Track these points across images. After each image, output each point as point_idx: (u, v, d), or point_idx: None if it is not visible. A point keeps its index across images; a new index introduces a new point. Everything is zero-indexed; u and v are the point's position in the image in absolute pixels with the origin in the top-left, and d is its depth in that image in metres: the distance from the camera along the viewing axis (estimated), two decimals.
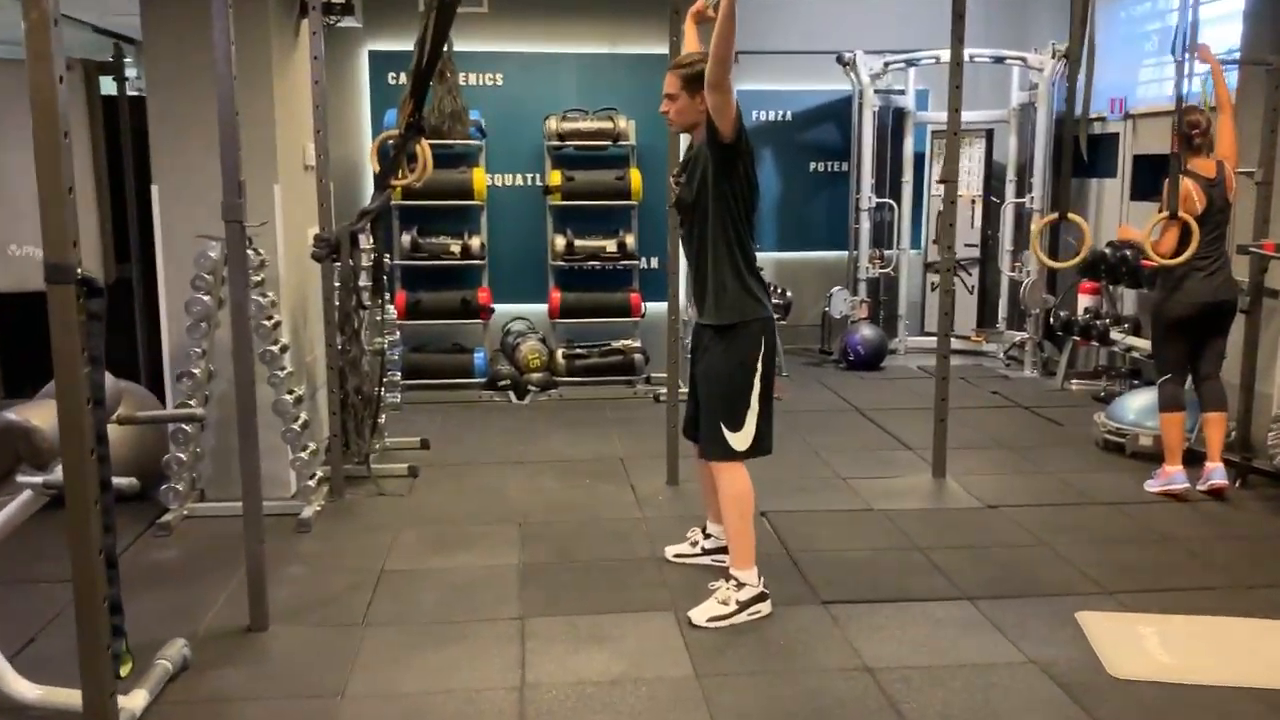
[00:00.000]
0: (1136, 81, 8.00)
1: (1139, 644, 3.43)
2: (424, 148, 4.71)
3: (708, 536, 4.15)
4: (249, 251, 4.18)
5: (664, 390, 7.13)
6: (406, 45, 7.24)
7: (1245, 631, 3.56)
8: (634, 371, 7.23)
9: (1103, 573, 4.05)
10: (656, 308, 7.45)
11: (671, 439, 5.15)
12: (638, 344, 7.26)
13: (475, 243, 7.14)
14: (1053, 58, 7.78)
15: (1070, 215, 4.68)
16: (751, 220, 3.68)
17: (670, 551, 4.21)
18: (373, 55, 7.35)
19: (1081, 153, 5.01)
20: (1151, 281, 6.61)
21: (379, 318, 5.27)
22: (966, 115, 8.71)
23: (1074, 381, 7.58)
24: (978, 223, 8.75)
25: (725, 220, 3.60)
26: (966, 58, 8.09)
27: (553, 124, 7.14)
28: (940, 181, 5.21)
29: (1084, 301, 7.63)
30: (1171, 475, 4.99)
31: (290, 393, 4.67)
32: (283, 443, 4.69)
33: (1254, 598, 3.82)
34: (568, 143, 7.15)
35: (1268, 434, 4.93)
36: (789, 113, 8.88)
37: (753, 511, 3.68)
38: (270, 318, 4.63)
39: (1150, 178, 7.55)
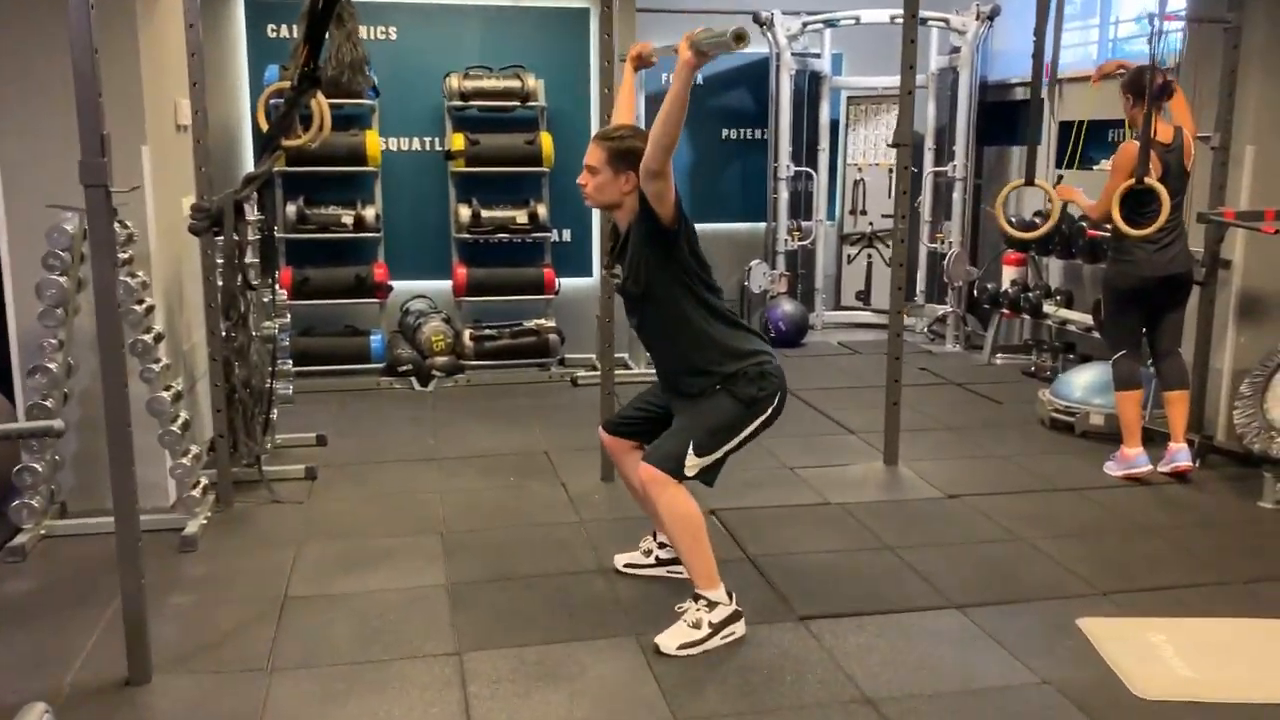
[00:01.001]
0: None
1: (1154, 655, 3.10)
2: (321, 103, 4.10)
3: (662, 545, 3.67)
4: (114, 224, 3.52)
5: (581, 373, 6.65)
6: None
7: (1260, 635, 3.26)
8: (548, 353, 6.69)
9: (1088, 570, 3.73)
10: (571, 284, 6.96)
11: None
12: (552, 323, 6.72)
13: (369, 213, 6.48)
14: (977, 19, 7.49)
15: (1037, 181, 4.34)
16: (712, 284, 3.25)
17: (620, 561, 3.73)
18: (250, 4, 6.58)
19: (1053, 113, 4.65)
20: (1091, 252, 6.41)
21: (267, 298, 4.61)
22: (881, 80, 8.47)
23: (999, 356, 7.36)
24: (894, 193, 8.44)
25: (687, 300, 3.19)
26: (886, 19, 7.85)
27: (454, 82, 6.51)
28: (892, 145, 4.81)
29: (1009, 273, 7.41)
30: (1132, 458, 4.73)
31: (167, 389, 4.01)
32: (160, 446, 4.02)
33: (1255, 595, 3.55)
34: (471, 103, 6.54)
35: (1233, 412, 4.69)
36: (700, 76, 8.33)
37: (704, 527, 3.20)
38: (141, 301, 3.95)
39: (1076, 144, 7.37)
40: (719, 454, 3.17)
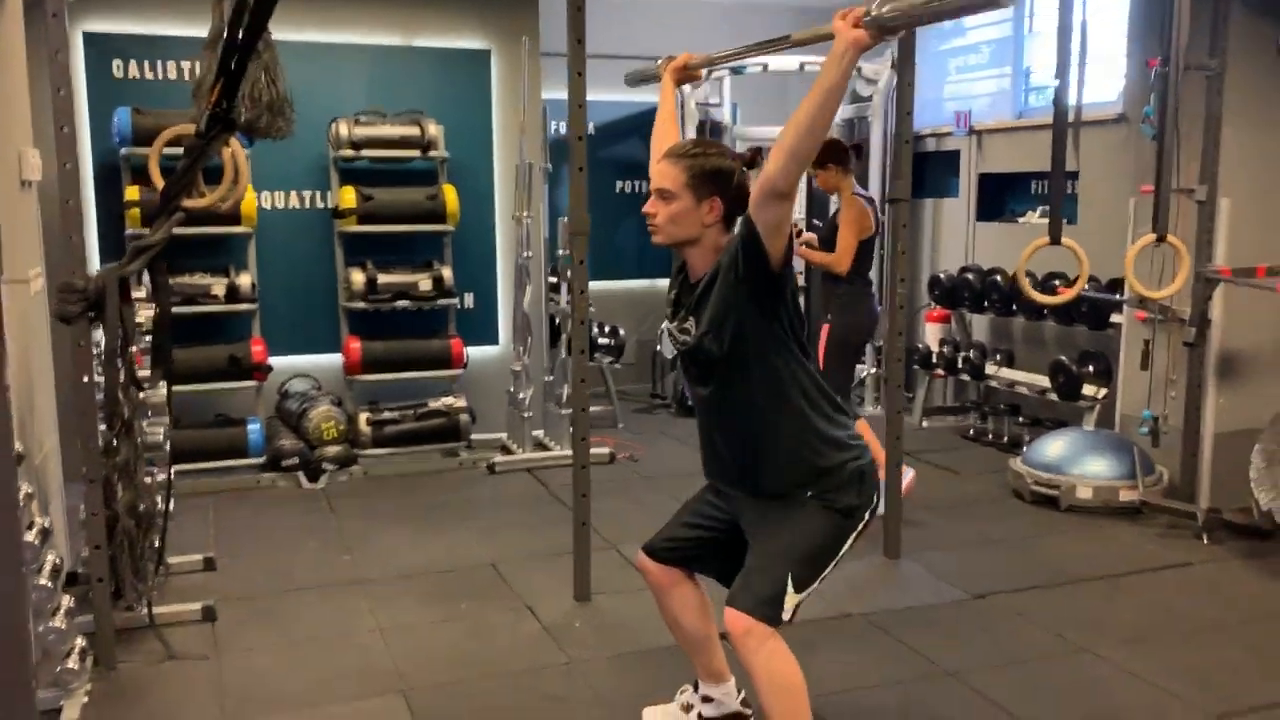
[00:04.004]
0: (940, 97, 7.62)
1: None
2: (236, 152, 3.24)
3: (706, 700, 2.94)
4: None
5: (498, 458, 5.85)
6: (135, 27, 5.56)
7: None
8: (459, 436, 5.86)
9: (1179, 686, 3.24)
10: (479, 354, 6.17)
11: (581, 539, 3.90)
12: (462, 402, 5.89)
13: (244, 281, 5.51)
14: (890, 68, 7.16)
15: (1065, 241, 3.90)
16: (805, 345, 2.55)
17: (651, 718, 2.98)
18: (89, 39, 5.54)
19: (1077, 161, 4.24)
20: (1036, 308, 6.09)
21: (159, 397, 3.66)
22: (779, 131, 8.08)
23: (927, 419, 6.98)
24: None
25: (786, 367, 2.49)
26: (796, 67, 7.47)
27: (344, 129, 5.65)
28: (890, 201, 4.31)
29: (933, 332, 7.07)
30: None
31: (31, 525, 3.03)
32: None
33: None
34: (363, 153, 5.69)
35: (1251, 485, 4.35)
36: (591, 125, 7.72)
37: (806, 690, 2.51)
38: None
39: (998, 197, 7.14)
40: (815, 585, 2.50)
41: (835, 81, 2.18)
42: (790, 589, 2.43)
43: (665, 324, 2.69)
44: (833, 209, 5.45)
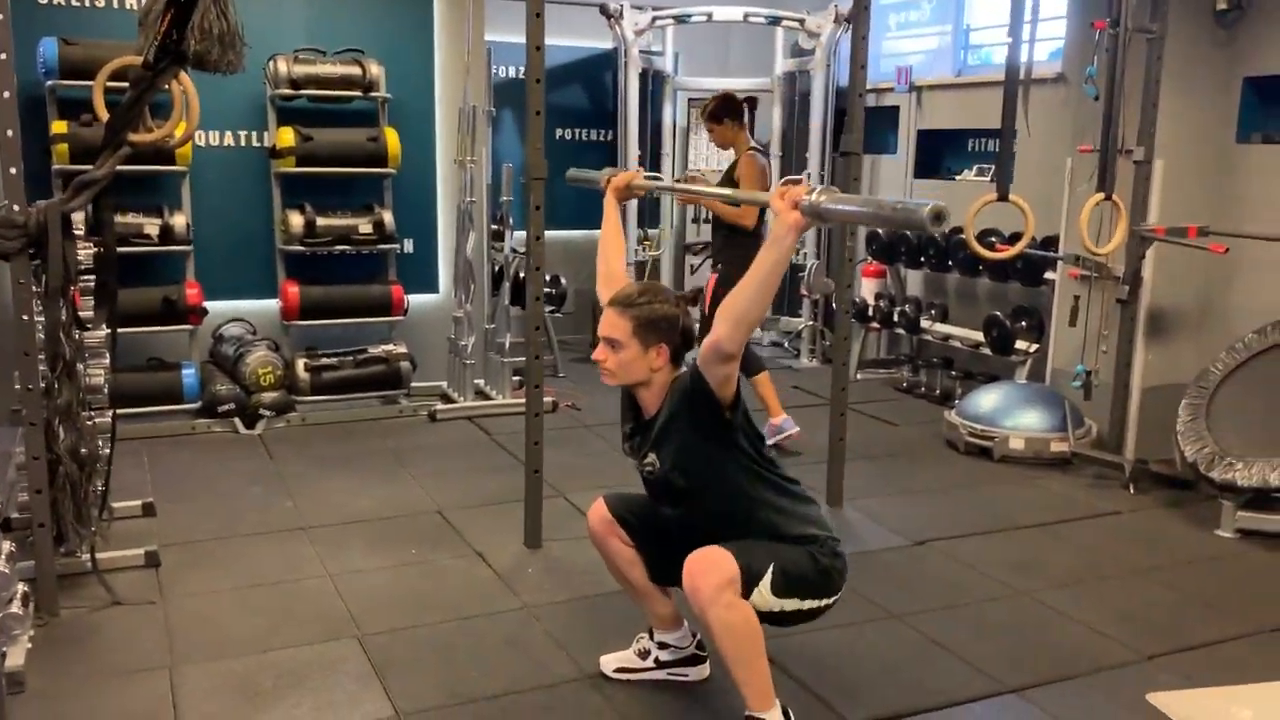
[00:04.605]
0: (879, 53, 7.70)
1: None
2: (187, 86, 3.14)
3: (663, 645, 2.99)
4: None
5: (440, 405, 5.81)
6: None
7: None
8: (400, 383, 5.79)
9: (1114, 629, 3.38)
10: (419, 301, 6.10)
11: (533, 486, 3.90)
12: (402, 348, 5.82)
13: (178, 222, 5.35)
14: (834, 21, 7.18)
15: (1012, 198, 3.97)
16: (766, 454, 2.67)
17: (609, 665, 3.02)
18: None
19: (1025, 121, 4.30)
20: (971, 265, 6.21)
21: (100, 337, 3.55)
22: (720, 83, 8.07)
23: (861, 371, 7.10)
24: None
25: (750, 483, 2.61)
26: (740, 17, 7.44)
27: (283, 67, 5.48)
28: (841, 154, 4.34)
29: (869, 286, 7.17)
30: (780, 424, 5.18)
31: None
32: None
33: None
34: (302, 92, 5.53)
35: (1177, 437, 4.51)
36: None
37: (763, 638, 2.57)
38: None
39: (936, 154, 7.23)
40: (777, 608, 2.55)
41: (779, 259, 2.34)
42: (768, 580, 2.49)
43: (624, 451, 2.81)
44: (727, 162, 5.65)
